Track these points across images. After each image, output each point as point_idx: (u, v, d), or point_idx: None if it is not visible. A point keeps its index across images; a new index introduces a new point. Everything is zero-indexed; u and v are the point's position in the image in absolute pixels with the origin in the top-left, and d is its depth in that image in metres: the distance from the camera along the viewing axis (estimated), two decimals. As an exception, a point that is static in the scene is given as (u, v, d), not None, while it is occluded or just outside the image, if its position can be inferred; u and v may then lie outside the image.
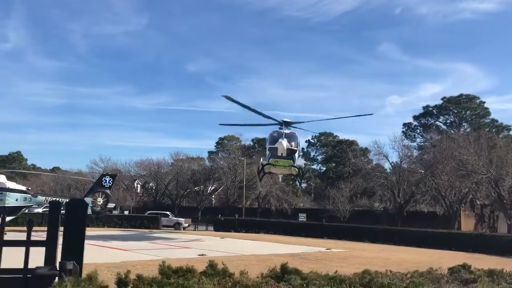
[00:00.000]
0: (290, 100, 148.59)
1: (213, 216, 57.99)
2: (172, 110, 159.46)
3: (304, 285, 4.34)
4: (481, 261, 18.98)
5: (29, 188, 39.44)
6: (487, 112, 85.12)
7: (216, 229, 50.47)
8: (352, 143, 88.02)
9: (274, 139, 33.12)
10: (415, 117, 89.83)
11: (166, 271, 4.63)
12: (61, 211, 5.43)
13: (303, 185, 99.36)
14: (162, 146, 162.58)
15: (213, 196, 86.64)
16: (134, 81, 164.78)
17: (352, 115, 37.27)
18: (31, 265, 5.12)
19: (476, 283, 4.75)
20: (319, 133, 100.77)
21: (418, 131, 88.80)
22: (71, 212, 5.27)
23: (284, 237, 40.59)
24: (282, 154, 32.03)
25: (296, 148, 33.39)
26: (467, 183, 50.78)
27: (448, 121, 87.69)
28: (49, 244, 5.18)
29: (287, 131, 33.84)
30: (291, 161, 33.02)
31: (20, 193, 35.67)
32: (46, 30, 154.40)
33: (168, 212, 60.12)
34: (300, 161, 36.15)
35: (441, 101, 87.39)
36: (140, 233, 40.99)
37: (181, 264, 5.14)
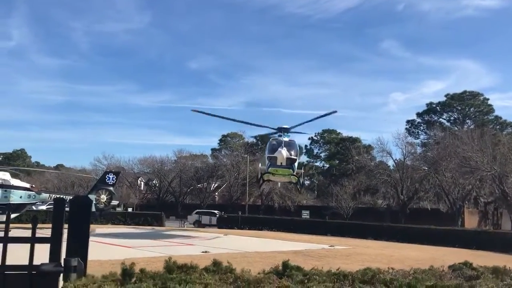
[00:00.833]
0: (292, 98, 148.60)
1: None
2: (175, 108, 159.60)
3: (306, 281, 4.36)
4: (484, 258, 18.97)
5: (33, 186, 39.62)
6: (491, 109, 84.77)
7: (219, 226, 50.56)
8: (355, 140, 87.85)
9: (273, 147, 32.66)
10: (419, 114, 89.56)
11: (171, 266, 4.67)
12: (65, 209, 5.46)
13: (306, 182, 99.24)
14: (165, 144, 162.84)
15: (216, 193, 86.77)
16: (137, 78, 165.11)
17: (322, 113, 36.43)
18: (36, 261, 5.15)
19: (479, 279, 4.76)
20: (322, 130, 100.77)
21: (421, 128, 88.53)
22: (76, 209, 5.31)
23: (287, 234, 40.62)
24: (281, 163, 31.57)
25: (295, 157, 32.95)
26: (471, 180, 50.63)
27: (452, 118, 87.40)
28: (54, 241, 5.22)
29: (286, 139, 33.30)
30: (291, 170, 32.57)
31: (24, 190, 35.83)
32: (48, 28, 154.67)
33: (216, 211, 59.51)
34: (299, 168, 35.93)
35: (445, 98, 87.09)
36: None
37: (184, 261, 5.17)
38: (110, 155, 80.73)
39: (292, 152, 32.39)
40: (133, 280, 4.45)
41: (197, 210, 59.70)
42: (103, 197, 39.19)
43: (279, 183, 37.78)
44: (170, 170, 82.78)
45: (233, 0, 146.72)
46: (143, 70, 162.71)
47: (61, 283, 4.73)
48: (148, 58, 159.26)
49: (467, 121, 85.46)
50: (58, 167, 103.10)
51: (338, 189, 66.32)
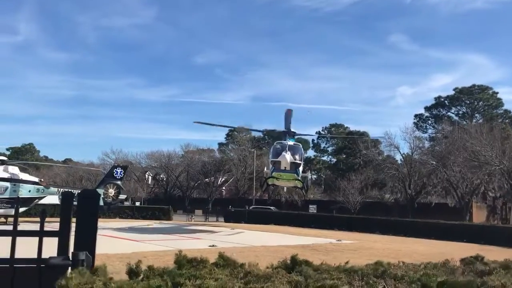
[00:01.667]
0: (299, 92, 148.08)
1: (224, 208, 58.19)
2: (182, 102, 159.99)
3: (317, 275, 4.31)
4: (493, 253, 18.83)
5: (42, 180, 39.83)
6: (500, 103, 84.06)
7: (226, 220, 50.65)
8: (362, 135, 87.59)
9: (277, 151, 31.73)
10: (427, 108, 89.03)
11: (181, 260, 4.64)
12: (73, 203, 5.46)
13: (314, 176, 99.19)
14: (172, 138, 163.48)
15: (223, 188, 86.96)
16: (144, 73, 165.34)
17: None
18: (45, 255, 5.16)
19: (491, 275, 4.69)
20: (330, 124, 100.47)
21: (429, 122, 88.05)
22: (84, 202, 5.29)
23: (295, 228, 40.58)
24: (285, 167, 30.69)
25: (300, 162, 32.07)
26: (479, 174, 50.35)
27: (460, 112, 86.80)
28: (62, 234, 5.21)
29: (290, 142, 32.50)
30: (295, 174, 31.66)
31: (33, 184, 36.03)
32: (56, 23, 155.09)
33: (272, 207, 58.43)
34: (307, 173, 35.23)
35: (453, 92, 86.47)
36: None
37: (193, 255, 5.14)
38: (118, 149, 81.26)
39: (297, 156, 31.51)
40: (141, 277, 4.42)
41: (253, 206, 58.62)
42: (111, 191, 39.36)
43: (285, 187, 36.95)
44: (178, 165, 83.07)
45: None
46: (150, 64, 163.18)
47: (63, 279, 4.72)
48: (155, 52, 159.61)
49: (475, 115, 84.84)
50: (67, 161, 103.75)
51: (345, 184, 66.23)
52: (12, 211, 29.99)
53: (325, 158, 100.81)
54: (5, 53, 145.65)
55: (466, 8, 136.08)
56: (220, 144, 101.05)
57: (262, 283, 3.78)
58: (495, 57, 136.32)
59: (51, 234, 5.31)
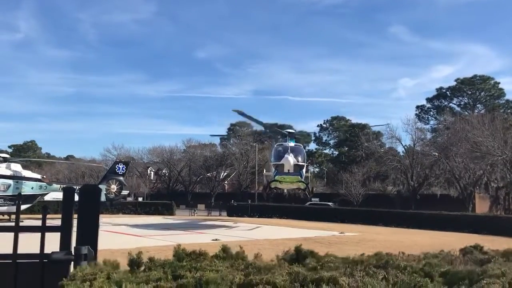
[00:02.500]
0: (300, 85, 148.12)
1: (226, 202, 58.31)
2: (183, 97, 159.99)
3: (318, 267, 4.33)
4: (495, 243, 18.84)
5: (44, 177, 39.97)
6: (501, 93, 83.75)
7: (229, 215, 50.77)
8: (364, 127, 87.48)
9: (279, 154, 31.10)
10: (429, 99, 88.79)
11: (180, 253, 4.66)
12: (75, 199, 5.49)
13: (316, 169, 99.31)
14: (174, 133, 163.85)
15: (225, 182, 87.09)
16: (145, 68, 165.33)
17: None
18: (47, 250, 5.19)
19: (490, 263, 4.71)
20: (331, 117, 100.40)
21: (431, 113, 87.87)
22: (85, 197, 5.32)
23: (297, 221, 40.67)
24: (289, 170, 30.12)
25: (303, 163, 31.65)
26: (482, 165, 50.32)
27: (462, 103, 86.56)
28: (64, 229, 5.24)
29: (292, 144, 32.00)
30: (299, 176, 31.03)
31: (36, 181, 36.14)
32: (56, 20, 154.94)
33: (330, 203, 57.33)
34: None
35: (455, 83, 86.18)
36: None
37: (195, 249, 5.17)
38: (119, 145, 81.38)
39: (299, 158, 31.10)
40: (142, 268, 4.45)
41: (309, 202, 57.49)
42: (114, 187, 39.48)
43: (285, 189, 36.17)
44: (180, 160, 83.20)
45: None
46: (150, 60, 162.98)
47: (72, 271, 4.76)
48: (156, 47, 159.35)
49: (477, 105, 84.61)
50: (69, 158, 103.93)
51: (347, 176, 66.26)
52: (15, 208, 30.08)
53: (327, 151, 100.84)
54: (5, 51, 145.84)
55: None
56: (222, 139, 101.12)
57: (262, 275, 3.79)
58: (496, 47, 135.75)
59: (53, 229, 5.34)
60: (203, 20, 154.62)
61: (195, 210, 57.46)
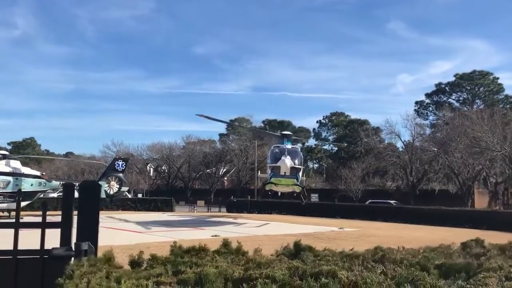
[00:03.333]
0: (299, 81, 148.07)
1: (226, 198, 58.36)
2: (182, 93, 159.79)
3: (317, 261, 4.36)
4: (494, 237, 18.89)
5: (44, 173, 39.97)
6: (500, 88, 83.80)
7: (228, 211, 50.80)
8: (363, 123, 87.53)
9: (276, 156, 30.67)
10: (427, 95, 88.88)
11: (177, 251, 4.68)
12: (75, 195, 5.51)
13: (315, 165, 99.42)
14: (173, 130, 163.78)
15: (225, 178, 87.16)
16: (143, 65, 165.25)
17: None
18: (47, 246, 5.21)
19: (487, 257, 4.75)
20: (330, 113, 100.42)
21: (430, 109, 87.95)
22: (84, 193, 5.34)
23: (297, 217, 40.72)
24: (285, 172, 29.62)
25: (300, 166, 31.21)
26: (481, 160, 50.39)
27: (461, 98, 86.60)
28: (64, 225, 5.26)
29: (289, 146, 31.63)
30: (295, 179, 30.45)
31: (35, 178, 36.13)
32: (54, 16, 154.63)
33: (392, 201, 51.70)
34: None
35: (454, 78, 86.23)
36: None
37: (194, 245, 5.19)
38: (119, 142, 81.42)
39: (296, 161, 30.61)
40: (144, 266, 4.47)
41: (370, 200, 54.22)
42: (113, 184, 39.48)
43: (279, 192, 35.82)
44: (179, 156, 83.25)
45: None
46: (149, 56, 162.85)
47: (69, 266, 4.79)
48: (154, 44, 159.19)
49: (476, 101, 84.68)
50: (68, 154, 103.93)
51: (347, 172, 66.33)
52: (15, 205, 30.12)
53: (326, 147, 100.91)
54: (3, 48, 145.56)
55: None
56: (221, 135, 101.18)
57: (262, 269, 3.82)
58: (495, 42, 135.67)
59: (53, 225, 5.36)
60: (202, 16, 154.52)
61: (194, 207, 57.52)
